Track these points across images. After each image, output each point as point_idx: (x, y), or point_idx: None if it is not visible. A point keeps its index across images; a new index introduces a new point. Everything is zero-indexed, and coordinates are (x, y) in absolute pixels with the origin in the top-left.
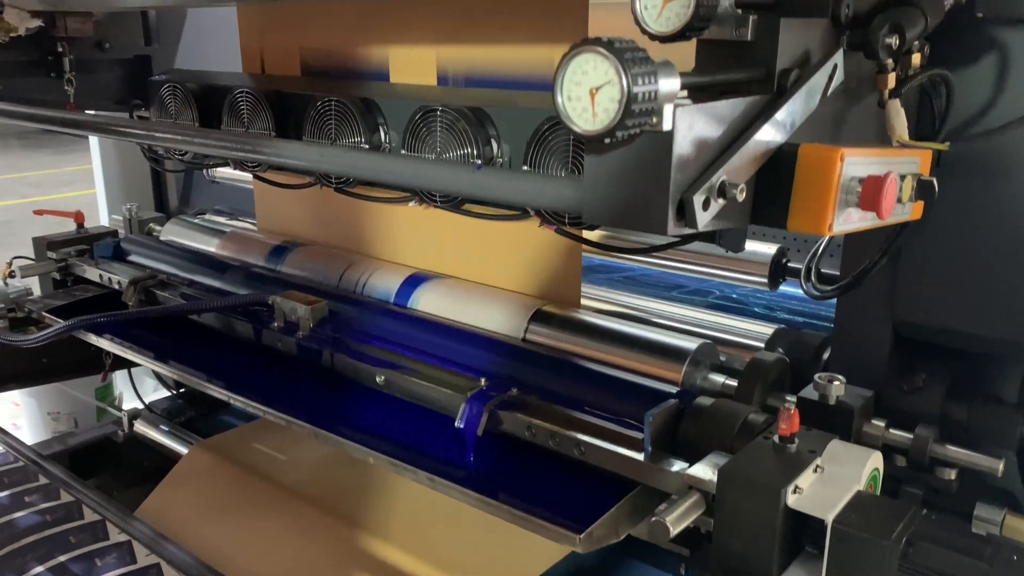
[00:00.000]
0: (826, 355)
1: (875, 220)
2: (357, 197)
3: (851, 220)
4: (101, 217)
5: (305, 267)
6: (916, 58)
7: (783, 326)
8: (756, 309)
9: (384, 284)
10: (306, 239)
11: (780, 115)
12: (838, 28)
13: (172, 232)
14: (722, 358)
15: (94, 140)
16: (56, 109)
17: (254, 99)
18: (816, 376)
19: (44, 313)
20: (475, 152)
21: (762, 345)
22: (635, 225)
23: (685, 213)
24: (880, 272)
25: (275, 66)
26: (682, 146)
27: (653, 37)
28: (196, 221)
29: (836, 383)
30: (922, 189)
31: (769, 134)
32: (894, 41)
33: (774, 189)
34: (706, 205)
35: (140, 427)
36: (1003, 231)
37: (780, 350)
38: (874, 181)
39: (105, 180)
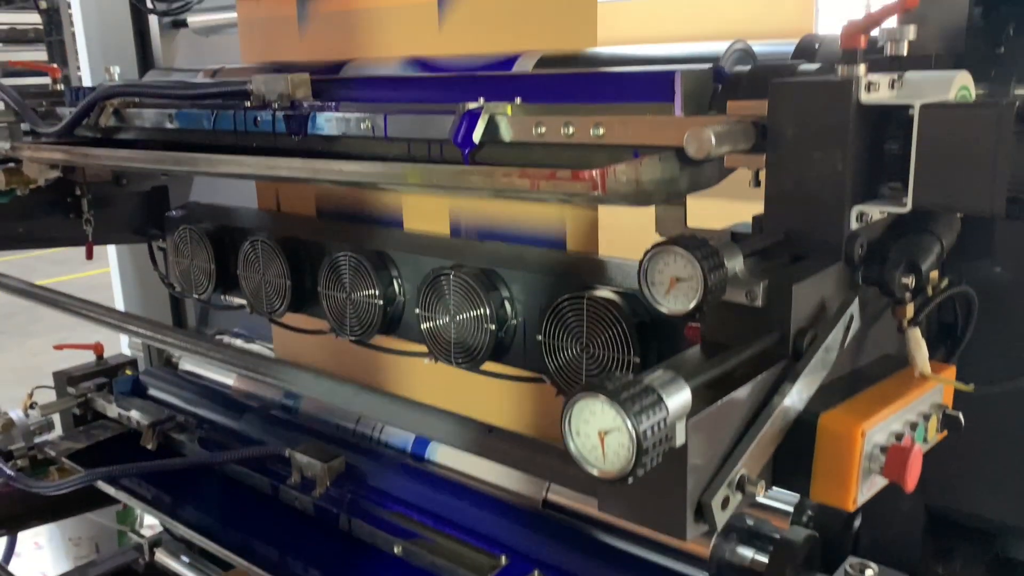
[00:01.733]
0: (857, 522)
1: None
2: (374, 348)
3: (876, 485)
4: (122, 339)
5: (323, 409)
6: (934, 275)
7: None
8: None
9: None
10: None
11: (798, 385)
12: (851, 266)
13: (191, 362)
14: (749, 522)
15: (112, 252)
16: (51, 291)
17: (269, 247)
18: (847, 564)
19: (64, 459)
20: (489, 314)
21: (791, 509)
22: (652, 526)
23: (704, 516)
24: None
25: (291, 204)
26: (696, 455)
27: (664, 314)
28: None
29: (869, 572)
30: (948, 422)
31: (787, 405)
32: (911, 281)
33: (794, 459)
34: (725, 504)
35: (161, 556)
36: None
37: (808, 515)
38: (898, 454)
39: (125, 299)
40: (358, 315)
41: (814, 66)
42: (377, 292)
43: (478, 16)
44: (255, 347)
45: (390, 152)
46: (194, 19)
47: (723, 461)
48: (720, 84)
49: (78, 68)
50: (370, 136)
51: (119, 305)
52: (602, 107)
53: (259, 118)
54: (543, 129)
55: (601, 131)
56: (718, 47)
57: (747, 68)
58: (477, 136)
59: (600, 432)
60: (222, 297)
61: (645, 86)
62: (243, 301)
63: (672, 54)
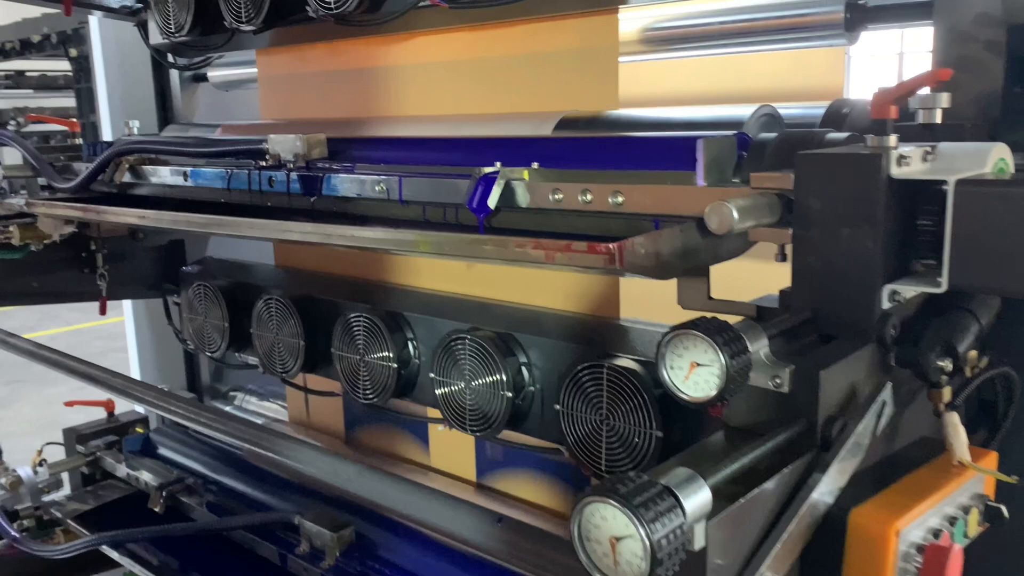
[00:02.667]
0: None
1: None
2: (388, 412)
3: None
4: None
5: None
6: (973, 355)
7: None
8: None
9: None
10: (334, 431)
11: (827, 478)
12: (884, 348)
13: None
14: None
15: (127, 303)
16: (57, 353)
17: (282, 305)
18: None
19: (70, 520)
20: (506, 380)
21: None
22: None
23: None
24: None
25: (307, 260)
26: (717, 557)
27: (683, 401)
28: (228, 410)
29: None
30: (989, 515)
31: (815, 500)
32: (947, 364)
33: (823, 559)
34: None
35: None
36: None
37: None
38: (936, 555)
39: (140, 358)
40: (372, 378)
41: (843, 135)
42: (391, 354)
43: (499, 76)
44: (269, 404)
45: (405, 215)
46: (214, 74)
47: (746, 563)
48: (745, 152)
49: None
50: (384, 198)
51: (133, 359)
52: (622, 174)
53: (274, 178)
54: (560, 196)
55: (620, 199)
56: (744, 111)
57: (773, 136)
58: (493, 202)
59: (611, 539)
60: (236, 355)
61: (666, 153)
62: (256, 360)
63: (696, 118)
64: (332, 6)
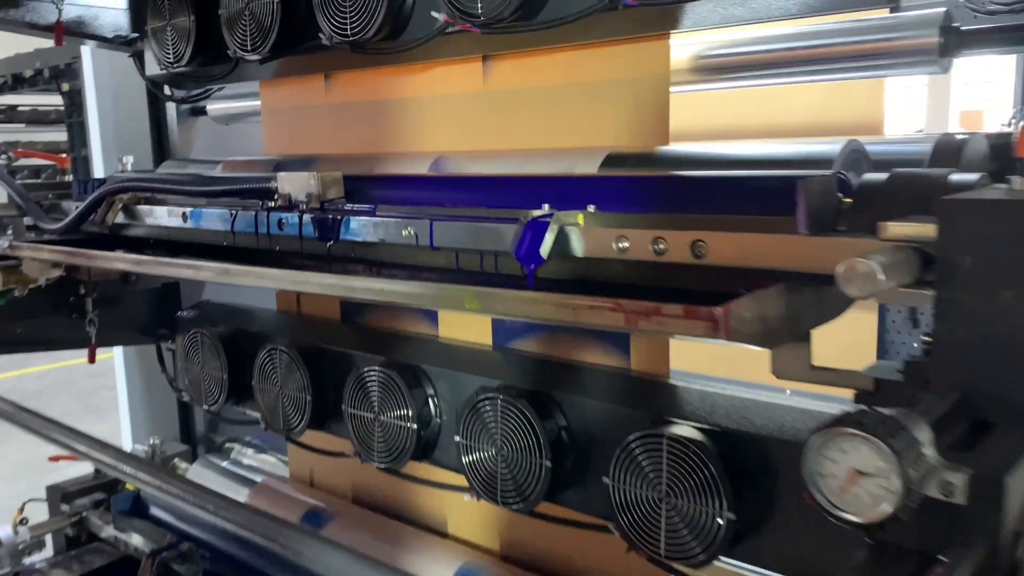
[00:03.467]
0: None
1: None
2: (406, 479)
3: None
4: (123, 443)
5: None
6: None
7: None
8: None
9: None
10: (341, 492)
11: None
12: None
13: (198, 474)
14: None
15: (119, 360)
16: (36, 416)
17: (288, 357)
18: None
19: None
20: (543, 446)
21: None
22: None
23: None
24: None
25: (313, 306)
26: None
27: (837, 520)
28: (225, 465)
29: None
30: None
31: None
32: None
33: None
34: None
35: None
36: None
37: None
38: None
39: (130, 406)
40: (387, 439)
41: (972, 176)
42: (410, 413)
43: (534, 109)
44: (268, 458)
45: (433, 263)
46: (213, 107)
47: None
48: (843, 194)
49: None
50: (413, 245)
51: (123, 406)
52: (698, 219)
53: (284, 220)
54: (626, 244)
55: (702, 250)
56: (814, 147)
57: (881, 177)
58: (546, 251)
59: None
60: (237, 407)
61: (754, 195)
62: (258, 414)
63: (763, 154)
64: (349, 33)
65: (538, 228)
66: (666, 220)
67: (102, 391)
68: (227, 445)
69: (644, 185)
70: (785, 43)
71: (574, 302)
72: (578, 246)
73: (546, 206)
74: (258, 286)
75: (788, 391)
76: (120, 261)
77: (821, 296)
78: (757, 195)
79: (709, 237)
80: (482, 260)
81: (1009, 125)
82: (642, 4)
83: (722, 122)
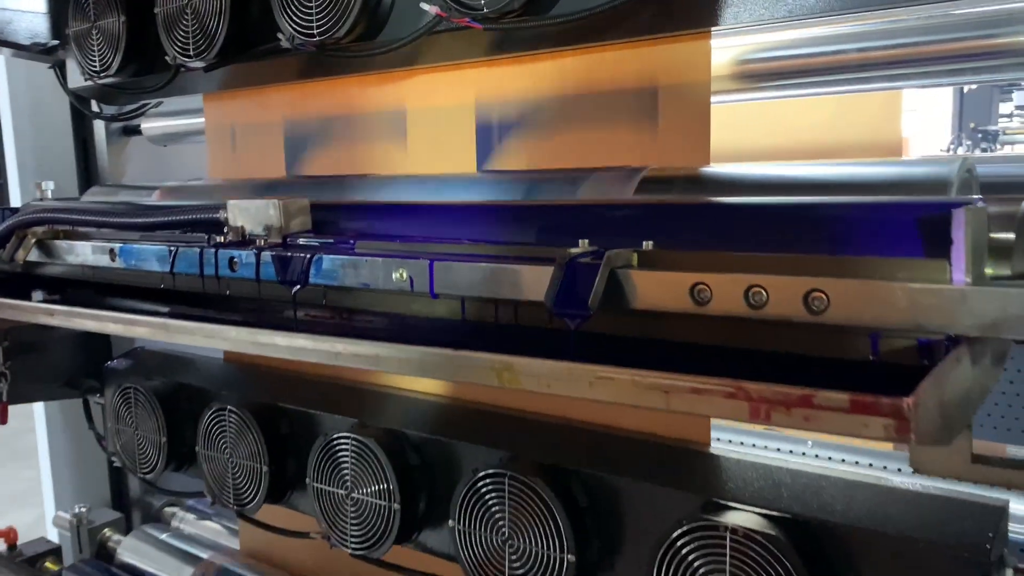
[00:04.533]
0: None
1: None
2: (386, 567)
3: None
4: (46, 509)
5: None
6: None
7: None
8: None
9: None
10: (303, 573)
11: None
12: None
13: (133, 549)
14: None
15: (39, 412)
16: None
17: (239, 419)
18: None
19: None
20: (566, 539)
21: None
22: None
23: None
24: None
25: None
26: None
27: None
28: (163, 538)
29: None
30: None
31: None
32: None
33: None
34: None
35: None
36: None
37: None
38: None
39: (53, 465)
40: (362, 520)
41: None
42: (390, 488)
43: (545, 121)
44: (213, 526)
45: (433, 312)
46: (149, 125)
47: None
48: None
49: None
50: (406, 291)
51: (44, 466)
52: (805, 260)
53: (237, 260)
54: (707, 294)
55: (820, 304)
56: (857, 170)
57: None
58: (594, 301)
59: None
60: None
61: (879, 229)
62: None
63: (802, 176)
64: (315, 33)
65: (581, 271)
66: (753, 261)
67: (26, 435)
68: (166, 509)
69: (710, 214)
70: (859, 43)
71: (668, 383)
72: (638, 295)
73: (584, 242)
74: (206, 346)
75: (809, 442)
76: (28, 311)
77: (986, 366)
78: (870, 229)
79: (831, 286)
80: (496, 311)
81: (949, 151)
82: None
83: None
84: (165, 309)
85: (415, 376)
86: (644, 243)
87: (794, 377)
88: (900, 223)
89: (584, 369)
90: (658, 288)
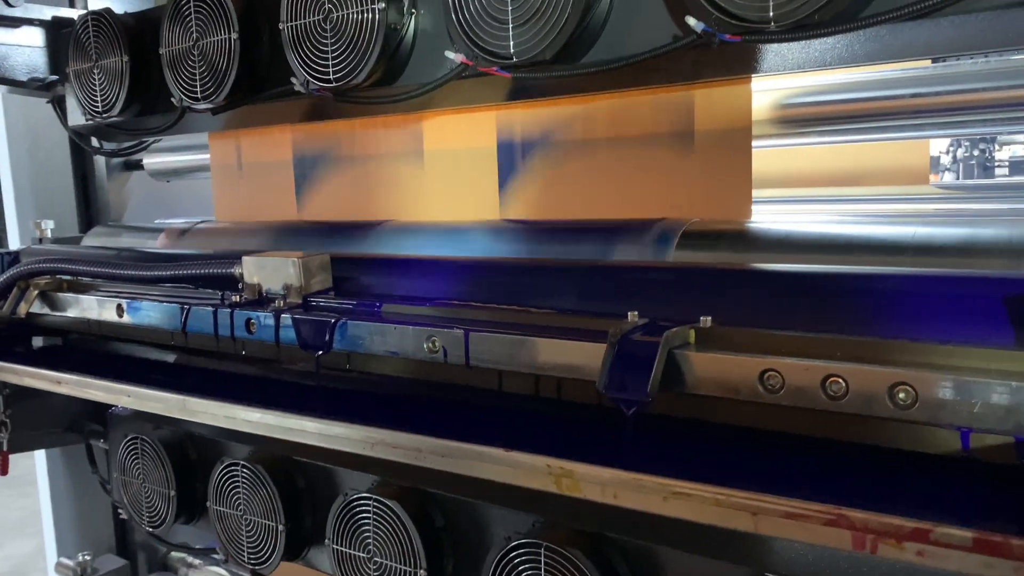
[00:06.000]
0: None
1: None
2: None
3: None
4: (46, 546)
5: None
6: None
7: None
8: None
9: None
10: None
11: None
12: None
13: None
14: None
15: (40, 456)
16: None
17: (253, 474)
18: None
19: None
20: None
21: None
22: None
23: None
24: None
25: None
26: None
27: None
28: None
29: None
30: None
31: None
32: None
33: None
34: None
35: None
36: None
37: None
38: None
39: (55, 510)
40: None
41: None
42: (417, 562)
43: (573, 168)
44: (223, 573)
45: (468, 380)
46: (151, 160)
47: None
48: None
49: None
50: (439, 360)
51: (45, 512)
52: (884, 346)
53: (255, 321)
54: (778, 382)
55: (907, 398)
56: (934, 231)
57: None
58: (653, 386)
59: None
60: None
61: (964, 306)
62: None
63: (866, 236)
64: (331, 79)
65: (638, 351)
66: (834, 345)
67: (23, 460)
68: (174, 554)
69: (771, 282)
70: (899, 89)
71: (756, 502)
72: (699, 381)
73: (634, 314)
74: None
75: None
76: (36, 378)
77: None
78: (960, 307)
79: (918, 380)
80: (537, 386)
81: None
82: (745, 41)
83: None
84: (177, 376)
85: (462, 472)
86: (702, 319)
87: (893, 491)
88: (991, 300)
89: (656, 483)
90: (723, 373)
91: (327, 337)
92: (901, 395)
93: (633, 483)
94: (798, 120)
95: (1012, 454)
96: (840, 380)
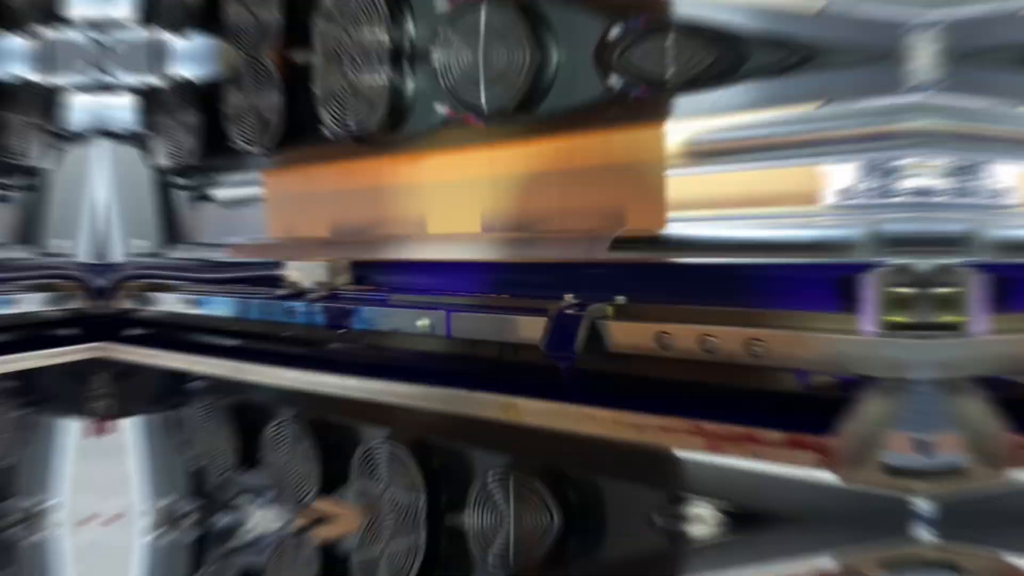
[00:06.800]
0: None
1: None
2: None
3: None
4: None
5: None
6: None
7: None
8: None
9: None
10: None
11: None
12: None
13: None
14: None
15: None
16: None
17: (295, 432)
18: None
19: None
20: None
21: None
22: None
23: None
24: None
25: None
26: None
27: None
28: None
29: None
30: None
31: None
32: None
33: None
34: None
35: None
36: None
37: None
38: None
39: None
40: None
41: None
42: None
43: (533, 194)
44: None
45: (451, 350)
46: (218, 192)
47: None
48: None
49: None
50: (428, 334)
51: (138, 466)
52: (746, 313)
53: (295, 309)
54: (670, 340)
55: (760, 350)
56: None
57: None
58: (579, 346)
59: None
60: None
61: (806, 287)
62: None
63: (744, 238)
64: (353, 128)
65: (567, 322)
66: (710, 314)
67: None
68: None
69: (674, 272)
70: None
71: (640, 421)
72: (613, 341)
73: (569, 296)
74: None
75: None
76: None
77: None
78: (816, 287)
79: (768, 336)
80: (501, 351)
81: None
82: (650, 95)
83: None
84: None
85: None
86: (617, 298)
87: (742, 412)
88: (820, 281)
89: (575, 410)
90: (629, 336)
91: (346, 318)
92: (755, 348)
93: (558, 410)
94: (707, 153)
95: (836, 388)
96: (713, 338)
